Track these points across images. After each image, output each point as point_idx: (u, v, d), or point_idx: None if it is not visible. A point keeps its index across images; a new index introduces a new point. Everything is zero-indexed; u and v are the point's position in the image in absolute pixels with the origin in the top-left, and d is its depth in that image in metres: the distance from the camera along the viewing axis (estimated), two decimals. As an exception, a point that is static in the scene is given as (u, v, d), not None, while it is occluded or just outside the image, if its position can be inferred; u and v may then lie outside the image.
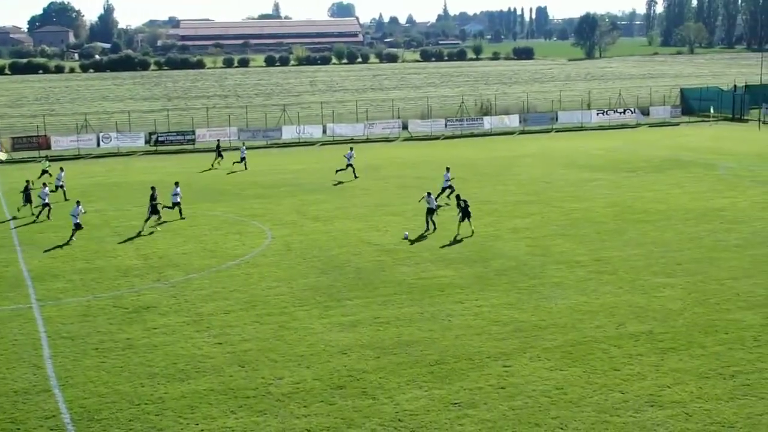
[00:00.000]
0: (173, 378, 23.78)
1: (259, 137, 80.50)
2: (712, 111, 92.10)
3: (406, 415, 21.20)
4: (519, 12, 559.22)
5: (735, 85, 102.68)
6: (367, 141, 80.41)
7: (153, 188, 44.10)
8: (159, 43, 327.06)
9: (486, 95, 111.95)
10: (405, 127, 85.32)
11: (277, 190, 53.54)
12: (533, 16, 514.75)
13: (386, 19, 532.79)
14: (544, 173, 57.41)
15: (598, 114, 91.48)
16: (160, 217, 43.56)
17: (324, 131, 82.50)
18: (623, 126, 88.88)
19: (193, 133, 79.38)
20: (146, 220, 42.78)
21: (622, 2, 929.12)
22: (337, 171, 57.95)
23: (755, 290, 30.74)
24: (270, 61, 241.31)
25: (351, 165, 57.47)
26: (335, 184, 54.81)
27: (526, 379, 23.27)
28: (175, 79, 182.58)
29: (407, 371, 24.00)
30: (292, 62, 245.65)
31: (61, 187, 51.46)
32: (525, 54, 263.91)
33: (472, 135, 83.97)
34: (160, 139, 77.94)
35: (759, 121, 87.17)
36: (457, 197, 41.08)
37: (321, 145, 77.98)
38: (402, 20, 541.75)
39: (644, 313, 28.47)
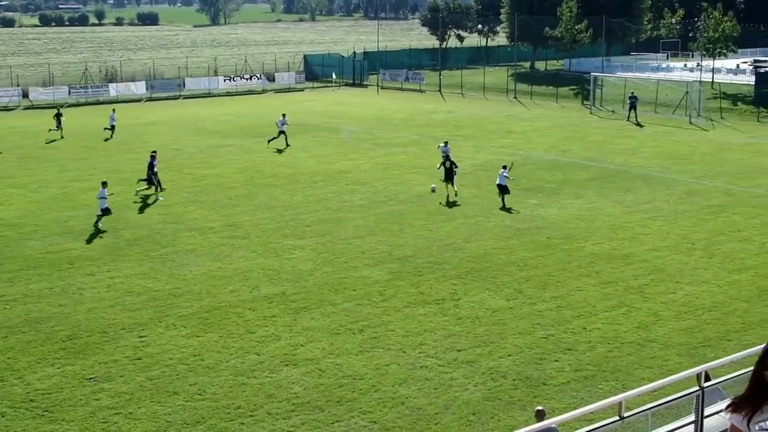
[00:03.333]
0: None
1: None
2: (334, 76, 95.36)
3: (38, 395, 20.33)
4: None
5: (354, 52, 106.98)
6: (-17, 110, 75.69)
7: None
8: None
9: (111, 62, 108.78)
10: (25, 95, 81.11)
11: None
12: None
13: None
14: (174, 140, 56.88)
15: (225, 80, 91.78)
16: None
17: (-70, 101, 76.45)
18: (250, 92, 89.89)
19: None
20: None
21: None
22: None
23: (379, 247, 32.35)
24: None
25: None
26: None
27: (162, 348, 23.08)
28: None
29: (38, 349, 23.01)
30: None
31: None
32: (149, 20, 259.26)
33: (98, 102, 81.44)
34: None
35: (377, 86, 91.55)
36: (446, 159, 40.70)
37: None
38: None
39: (277, 276, 29.13)
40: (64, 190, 42.04)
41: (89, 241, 33.27)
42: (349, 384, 20.98)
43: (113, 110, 62.04)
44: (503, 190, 38.35)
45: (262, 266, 30.17)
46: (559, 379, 21.24)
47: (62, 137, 57.44)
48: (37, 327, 24.63)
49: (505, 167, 39.07)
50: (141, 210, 38.04)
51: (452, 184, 40.10)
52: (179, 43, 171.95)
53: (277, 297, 27.08)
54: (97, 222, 35.36)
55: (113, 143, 55.64)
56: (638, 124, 63.80)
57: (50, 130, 58.18)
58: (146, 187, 40.97)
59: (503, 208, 37.99)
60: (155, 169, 41.04)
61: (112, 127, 58.49)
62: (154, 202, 39.79)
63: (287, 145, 53.78)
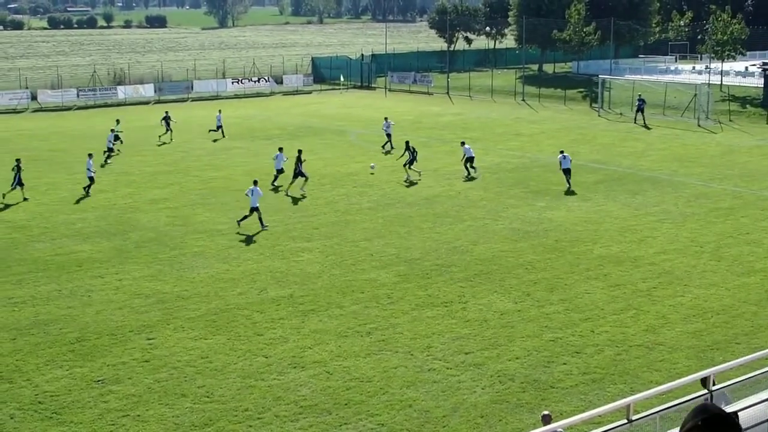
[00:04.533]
0: None
1: None
2: (342, 79, 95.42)
3: (46, 397, 20.38)
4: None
5: (362, 54, 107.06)
6: (-8, 112, 75.92)
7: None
8: None
9: (119, 64, 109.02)
10: (34, 97, 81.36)
11: None
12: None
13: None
14: (182, 142, 56.94)
15: (233, 83, 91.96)
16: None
17: (-59, 103, 76.80)
18: (258, 94, 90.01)
19: None
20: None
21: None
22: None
23: (386, 250, 32.34)
24: None
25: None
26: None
27: (170, 350, 23.11)
28: None
29: (46, 351, 23.06)
30: None
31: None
32: (158, 22, 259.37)
33: (106, 105, 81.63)
34: None
35: (385, 88, 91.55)
36: (406, 143, 46.01)
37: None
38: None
39: (284, 278, 29.14)
40: (73, 193, 42.11)
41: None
42: (357, 386, 20.99)
43: (219, 111, 62.19)
44: (568, 173, 42.21)
45: (270, 269, 30.19)
46: (567, 382, 21.22)
47: (171, 140, 57.62)
48: (45, 329, 24.69)
49: (562, 152, 42.83)
50: (147, 212, 38.08)
51: (410, 168, 44.97)
52: (187, 45, 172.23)
53: (285, 299, 27.10)
54: (241, 220, 35.42)
55: (121, 147, 55.68)
56: (646, 127, 63.70)
57: (164, 134, 58.37)
58: (295, 181, 42.23)
59: (569, 190, 41.69)
60: (301, 164, 42.28)
61: (219, 127, 58.97)
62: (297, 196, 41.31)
63: (392, 147, 53.49)
